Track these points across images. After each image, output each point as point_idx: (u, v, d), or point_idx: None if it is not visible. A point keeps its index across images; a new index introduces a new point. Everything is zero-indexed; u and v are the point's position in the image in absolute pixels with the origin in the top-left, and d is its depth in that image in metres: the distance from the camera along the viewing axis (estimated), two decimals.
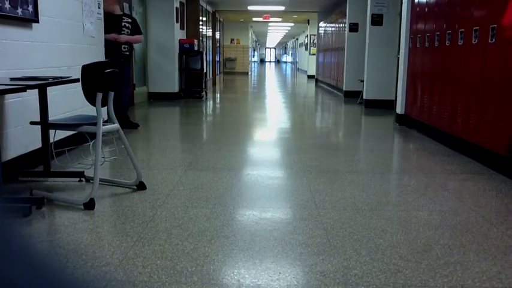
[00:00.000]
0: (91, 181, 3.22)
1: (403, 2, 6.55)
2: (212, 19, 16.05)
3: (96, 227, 2.64)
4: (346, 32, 10.57)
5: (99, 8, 5.23)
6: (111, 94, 3.20)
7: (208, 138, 5.85)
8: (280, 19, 20.30)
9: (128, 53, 5.86)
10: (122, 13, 5.93)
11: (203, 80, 10.50)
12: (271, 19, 19.80)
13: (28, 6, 3.69)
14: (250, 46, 26.14)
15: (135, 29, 5.90)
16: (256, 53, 46.14)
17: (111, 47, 5.59)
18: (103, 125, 3.04)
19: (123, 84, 5.61)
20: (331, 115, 8.51)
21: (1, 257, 0.34)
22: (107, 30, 5.49)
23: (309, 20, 19.79)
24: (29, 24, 3.77)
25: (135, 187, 3.29)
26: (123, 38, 5.72)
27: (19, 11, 3.57)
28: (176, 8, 9.68)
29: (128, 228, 2.57)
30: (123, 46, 5.76)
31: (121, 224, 2.65)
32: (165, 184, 3.45)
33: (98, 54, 5.17)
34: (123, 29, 5.76)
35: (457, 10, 4.88)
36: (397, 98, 6.80)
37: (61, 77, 3.53)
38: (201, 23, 12.48)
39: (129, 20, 5.86)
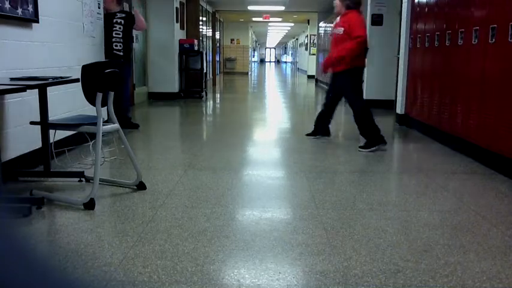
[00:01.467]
0: (91, 181, 3.22)
1: (403, 2, 6.55)
2: (212, 19, 16.05)
3: (96, 227, 2.64)
4: None
5: (99, 8, 5.23)
6: (111, 94, 3.20)
7: (208, 138, 5.85)
8: (280, 19, 20.30)
9: (120, 53, 5.62)
10: (118, 10, 5.74)
11: (203, 80, 10.49)
12: (271, 19, 19.80)
13: (28, 6, 3.69)
14: (250, 46, 26.14)
15: (132, 21, 5.78)
16: (256, 53, 46.13)
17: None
18: (103, 125, 3.04)
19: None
20: None
21: (1, 257, 0.34)
22: None
23: (309, 20, 19.78)
24: (29, 24, 3.77)
25: (135, 187, 3.29)
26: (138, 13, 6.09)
27: (19, 11, 3.57)
28: (176, 8, 9.68)
29: (128, 228, 2.57)
30: (114, 44, 5.61)
31: (121, 224, 2.65)
32: (165, 184, 3.45)
33: (98, 54, 5.17)
34: (115, 25, 5.60)
35: (457, 10, 4.88)
36: (397, 98, 6.80)
37: (61, 77, 3.53)
38: (201, 23, 12.47)
39: (123, 15, 5.70)
